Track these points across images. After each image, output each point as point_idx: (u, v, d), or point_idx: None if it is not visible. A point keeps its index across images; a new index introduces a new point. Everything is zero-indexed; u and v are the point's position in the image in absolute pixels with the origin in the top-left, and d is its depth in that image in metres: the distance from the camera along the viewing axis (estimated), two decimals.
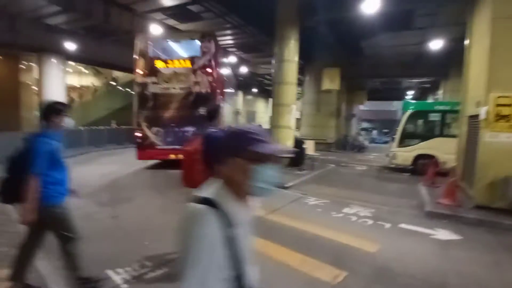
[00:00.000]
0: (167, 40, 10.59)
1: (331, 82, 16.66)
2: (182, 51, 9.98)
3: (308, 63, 18.13)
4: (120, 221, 5.00)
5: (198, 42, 9.56)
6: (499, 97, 5.92)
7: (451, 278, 3.48)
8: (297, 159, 10.53)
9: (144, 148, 9.34)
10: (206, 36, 9.54)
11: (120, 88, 30.08)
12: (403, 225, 5.23)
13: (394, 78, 22.45)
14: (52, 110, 2.69)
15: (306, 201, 6.63)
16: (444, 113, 10.48)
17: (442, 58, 16.00)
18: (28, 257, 2.83)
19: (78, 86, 29.99)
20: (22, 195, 2.53)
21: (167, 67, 9.47)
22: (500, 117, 5.93)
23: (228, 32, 15.19)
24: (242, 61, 20.61)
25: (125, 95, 29.35)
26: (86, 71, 30.23)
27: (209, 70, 9.28)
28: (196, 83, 9.26)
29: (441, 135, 10.43)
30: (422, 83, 25.12)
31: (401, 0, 9.83)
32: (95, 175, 8.64)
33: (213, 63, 9.34)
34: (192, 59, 9.43)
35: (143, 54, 9.47)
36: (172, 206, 5.86)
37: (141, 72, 9.47)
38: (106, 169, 9.54)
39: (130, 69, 23.56)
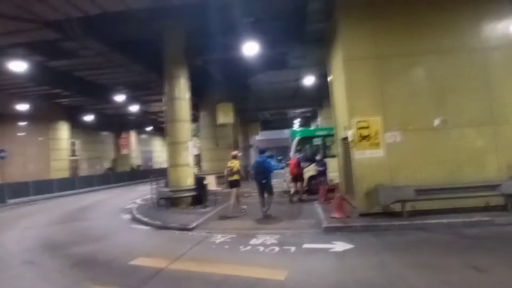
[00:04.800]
0: None
1: (225, 116, 17.27)
2: None
3: (202, 99, 18.49)
4: None
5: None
6: (358, 121, 7.22)
7: (350, 286, 3.79)
8: (200, 197, 10.25)
9: None
10: None
11: None
12: (306, 245, 5.55)
13: (279, 110, 25.02)
14: None
15: (213, 239, 6.36)
16: (324, 137, 12.10)
17: (316, 91, 18.81)
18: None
19: None
20: None
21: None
22: (362, 137, 7.20)
23: (112, 70, 14.26)
24: (131, 99, 19.46)
25: None
26: None
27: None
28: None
29: (325, 156, 11.92)
30: (304, 113, 28.79)
31: (275, 44, 11.24)
32: None
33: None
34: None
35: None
36: (54, 279, 4.73)
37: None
38: None
39: None
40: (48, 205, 14.11)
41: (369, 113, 7.25)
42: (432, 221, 6.23)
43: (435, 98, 7.21)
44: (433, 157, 7.04)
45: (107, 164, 30.56)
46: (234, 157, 8.75)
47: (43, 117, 19.83)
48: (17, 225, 9.17)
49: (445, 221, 6.19)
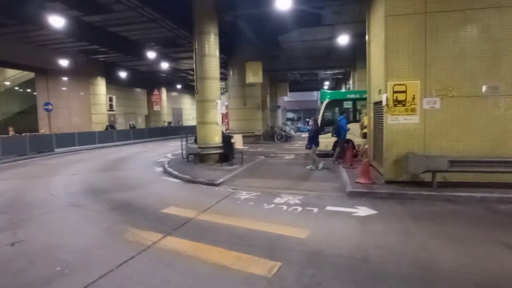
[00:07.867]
0: None
1: (254, 75, 16.95)
2: None
3: (231, 57, 18.15)
4: (25, 246, 4.20)
5: None
6: (395, 84, 6.76)
7: (371, 250, 3.83)
8: (226, 154, 10.50)
9: None
10: None
11: (18, 89, 25.67)
12: (329, 208, 5.61)
13: (310, 70, 24.03)
14: None
15: (238, 196, 6.62)
16: (355, 100, 11.61)
17: (350, 51, 17.71)
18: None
19: None
20: None
21: None
22: (397, 102, 6.79)
23: (144, 26, 14.19)
24: (162, 56, 19.54)
25: (25, 97, 25.21)
26: None
27: None
28: None
29: (355, 120, 11.55)
30: (335, 74, 27.53)
31: None
32: None
33: None
34: None
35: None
36: (96, 221, 5.24)
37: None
38: (3, 186, 8.04)
39: (28, 67, 20.60)
40: (91, 154, 15.23)
41: (408, 76, 6.72)
42: (463, 194, 5.98)
43: (488, 60, 6.43)
44: (474, 126, 6.52)
45: (141, 119, 31.85)
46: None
47: (83, 73, 20.65)
48: (64, 172, 10.06)
49: (478, 195, 5.91)
